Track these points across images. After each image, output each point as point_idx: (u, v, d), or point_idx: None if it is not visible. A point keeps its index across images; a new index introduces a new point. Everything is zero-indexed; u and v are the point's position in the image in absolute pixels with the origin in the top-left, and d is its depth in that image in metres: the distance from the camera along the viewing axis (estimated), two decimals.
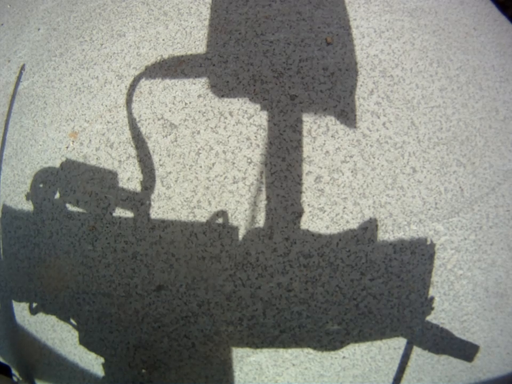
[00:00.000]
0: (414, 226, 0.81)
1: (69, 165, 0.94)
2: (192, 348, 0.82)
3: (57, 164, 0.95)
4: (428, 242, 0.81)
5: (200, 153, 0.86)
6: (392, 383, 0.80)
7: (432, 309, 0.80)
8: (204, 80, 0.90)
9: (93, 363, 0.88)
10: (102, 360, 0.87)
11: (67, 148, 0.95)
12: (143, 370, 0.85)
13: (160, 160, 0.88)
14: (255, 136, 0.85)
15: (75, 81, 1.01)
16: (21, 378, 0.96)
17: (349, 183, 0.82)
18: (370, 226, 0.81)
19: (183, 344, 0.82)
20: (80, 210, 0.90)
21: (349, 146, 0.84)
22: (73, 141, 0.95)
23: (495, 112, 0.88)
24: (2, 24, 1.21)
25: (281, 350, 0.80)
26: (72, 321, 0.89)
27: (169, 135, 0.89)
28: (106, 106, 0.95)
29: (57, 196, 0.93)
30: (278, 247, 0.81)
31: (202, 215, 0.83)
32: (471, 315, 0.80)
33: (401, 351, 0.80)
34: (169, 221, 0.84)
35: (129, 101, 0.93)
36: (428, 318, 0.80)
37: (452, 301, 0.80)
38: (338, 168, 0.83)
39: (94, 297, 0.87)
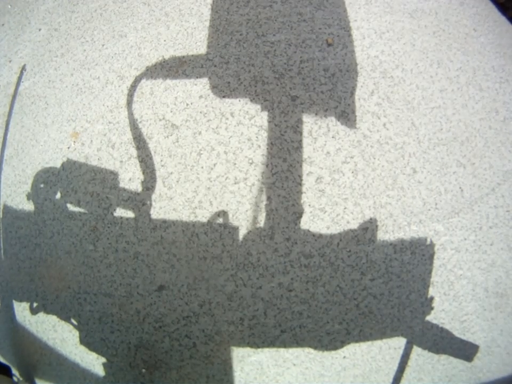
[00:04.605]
0: (414, 227, 0.81)
1: (70, 165, 0.94)
2: (193, 348, 0.82)
3: (58, 164, 0.95)
4: (428, 243, 0.81)
5: (201, 153, 0.86)
6: (392, 383, 0.80)
7: (432, 308, 0.80)
8: (205, 81, 0.91)
9: (94, 363, 0.88)
10: (103, 360, 0.87)
11: (68, 148, 0.95)
12: (144, 370, 0.85)
13: (161, 160, 0.88)
14: (256, 137, 0.85)
15: (76, 82, 1.01)
16: (21, 379, 0.96)
17: (350, 184, 0.82)
18: (370, 227, 0.81)
19: (184, 344, 0.83)
20: (82, 210, 0.90)
21: (349, 147, 0.84)
22: (74, 141, 0.95)
23: (495, 113, 0.89)
24: (3, 25, 1.21)
25: (282, 350, 0.80)
26: (73, 321, 0.89)
27: (171, 135, 0.89)
28: (107, 106, 0.95)
29: (58, 196, 0.93)
30: (279, 247, 0.81)
31: (203, 216, 0.83)
32: (471, 315, 0.81)
33: (401, 351, 0.80)
34: (170, 221, 0.85)
35: (130, 102, 0.94)
36: (428, 318, 0.80)
37: (452, 301, 0.81)
38: (339, 168, 0.83)
39: (95, 297, 0.87)
